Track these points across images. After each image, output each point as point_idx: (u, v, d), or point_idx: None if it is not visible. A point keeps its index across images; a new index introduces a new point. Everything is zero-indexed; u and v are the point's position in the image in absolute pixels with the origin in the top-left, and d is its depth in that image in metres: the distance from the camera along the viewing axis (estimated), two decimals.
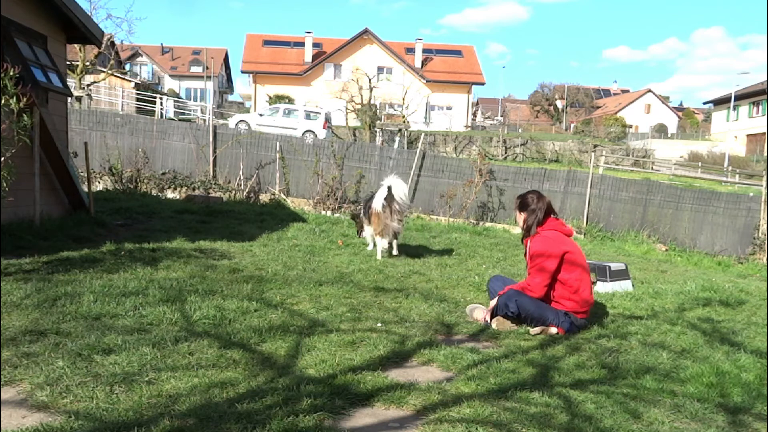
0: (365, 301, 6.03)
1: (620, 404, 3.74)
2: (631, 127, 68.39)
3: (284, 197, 18.26)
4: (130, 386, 3.42)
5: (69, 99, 11.64)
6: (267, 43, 58.17)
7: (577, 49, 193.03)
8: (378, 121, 39.61)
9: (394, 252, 9.23)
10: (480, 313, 5.75)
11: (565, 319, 5.46)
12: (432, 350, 4.54)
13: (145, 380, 3.51)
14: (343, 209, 17.55)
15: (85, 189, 10.52)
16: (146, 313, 4.91)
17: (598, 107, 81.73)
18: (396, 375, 4.01)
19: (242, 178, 18.43)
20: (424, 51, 57.11)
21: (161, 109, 40.09)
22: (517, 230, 15.07)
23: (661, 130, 69.63)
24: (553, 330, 5.43)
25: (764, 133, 50.49)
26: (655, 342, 5.38)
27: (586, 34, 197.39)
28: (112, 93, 41.69)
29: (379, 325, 5.19)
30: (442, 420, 3.32)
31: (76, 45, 23.05)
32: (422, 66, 56.03)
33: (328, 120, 34.07)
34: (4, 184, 6.48)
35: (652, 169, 38.35)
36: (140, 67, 74.28)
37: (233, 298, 5.60)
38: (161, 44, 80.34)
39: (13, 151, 6.82)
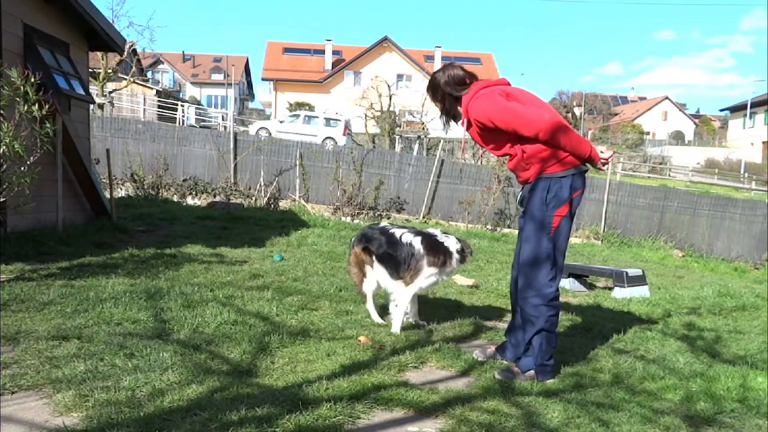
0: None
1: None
2: (648, 133, 68.04)
3: (304, 203, 18.41)
4: (152, 390, 3.41)
5: (91, 106, 11.82)
6: (287, 50, 58.66)
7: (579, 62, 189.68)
8: (397, 128, 39.68)
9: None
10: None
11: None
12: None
13: (167, 384, 3.50)
14: (362, 215, 17.71)
15: (108, 195, 10.69)
16: (167, 318, 4.91)
17: (616, 114, 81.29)
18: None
19: (262, 184, 18.59)
20: (443, 58, 57.13)
21: (182, 116, 40.41)
22: None
23: (678, 137, 69.21)
24: None
25: None
26: (663, 346, 5.37)
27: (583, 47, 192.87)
28: (133, 100, 42.06)
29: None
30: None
31: (98, 52, 23.35)
32: None
33: (348, 127, 34.25)
34: (15, 189, 6.56)
35: (669, 175, 38.20)
36: (162, 75, 74.87)
37: (253, 302, 5.68)
38: (182, 52, 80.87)
39: (36, 157, 6.90)
